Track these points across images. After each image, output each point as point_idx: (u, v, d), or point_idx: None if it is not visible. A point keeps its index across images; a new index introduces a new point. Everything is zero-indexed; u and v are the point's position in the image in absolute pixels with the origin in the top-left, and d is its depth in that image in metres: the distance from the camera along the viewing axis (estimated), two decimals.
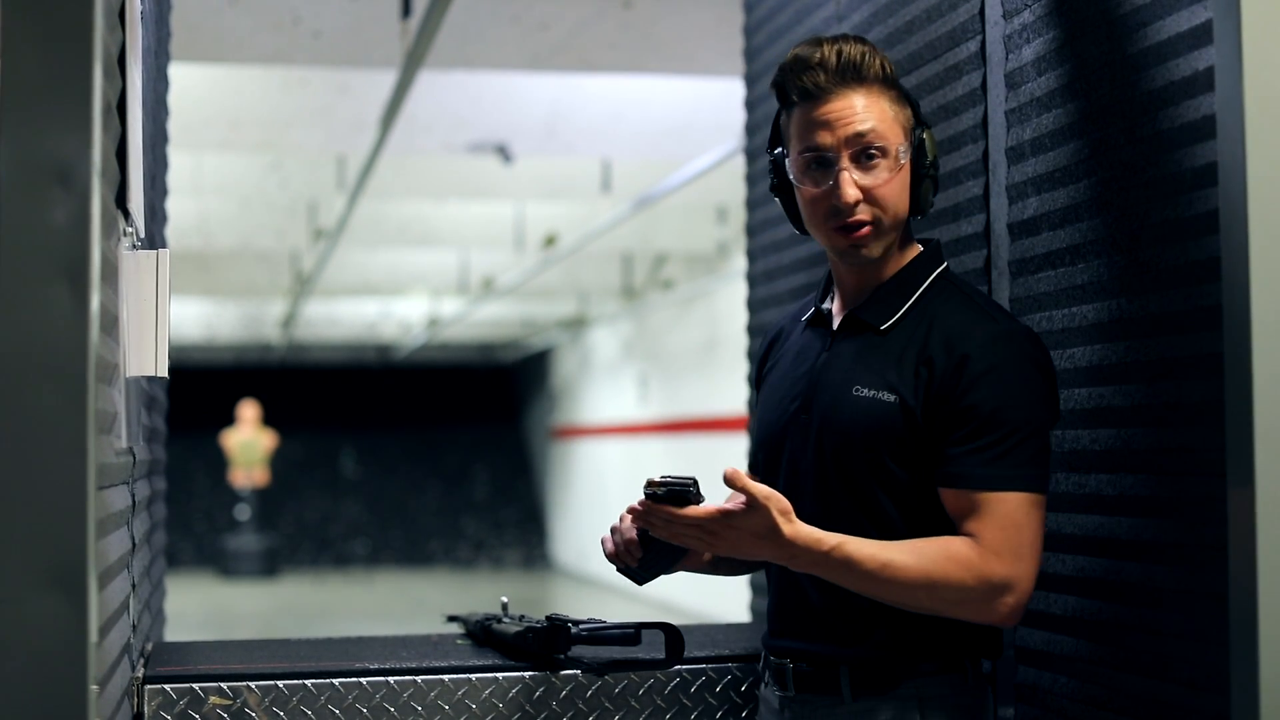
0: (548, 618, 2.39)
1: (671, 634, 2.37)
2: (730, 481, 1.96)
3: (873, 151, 2.10)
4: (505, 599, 2.69)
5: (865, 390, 2.09)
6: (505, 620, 2.53)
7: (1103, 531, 2.12)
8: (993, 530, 1.98)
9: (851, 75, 2.10)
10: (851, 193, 2.10)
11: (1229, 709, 1.78)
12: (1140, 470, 2.04)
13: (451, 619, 2.86)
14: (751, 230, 3.62)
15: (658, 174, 8.81)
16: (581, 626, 2.37)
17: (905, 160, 2.12)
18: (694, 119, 7.44)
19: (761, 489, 1.97)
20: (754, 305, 3.60)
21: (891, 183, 2.11)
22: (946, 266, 2.20)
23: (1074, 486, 2.19)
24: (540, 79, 6.95)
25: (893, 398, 2.07)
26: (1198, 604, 1.90)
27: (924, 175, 2.14)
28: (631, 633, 2.44)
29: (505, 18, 5.90)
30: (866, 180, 2.10)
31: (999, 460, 2.00)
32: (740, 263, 5.15)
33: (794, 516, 1.99)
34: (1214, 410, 1.84)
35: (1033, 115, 2.32)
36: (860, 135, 2.09)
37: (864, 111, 2.10)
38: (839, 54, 2.10)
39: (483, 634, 2.59)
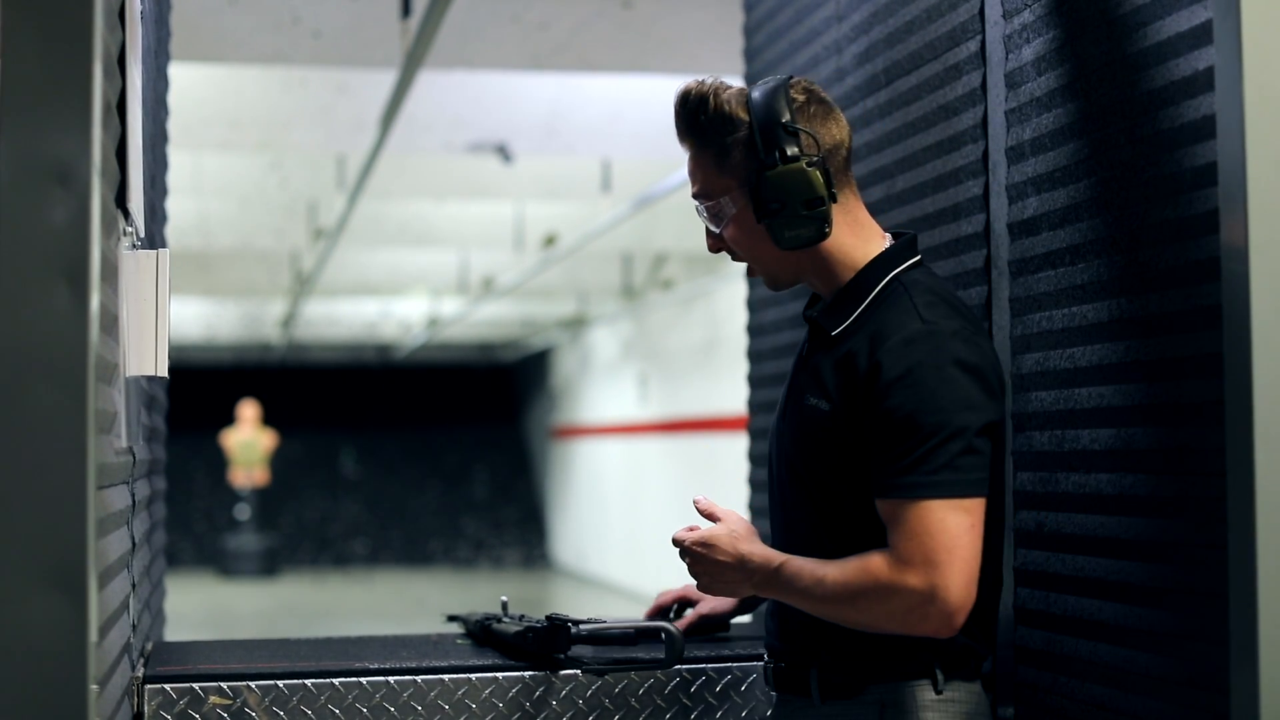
0: (548, 617, 2.39)
1: (671, 635, 2.37)
2: (697, 505, 2.17)
3: (707, 207, 2.17)
4: (505, 598, 2.69)
5: (810, 398, 2.12)
6: (505, 620, 2.53)
7: (1103, 531, 2.12)
8: (904, 540, 1.97)
9: (683, 131, 2.18)
10: (708, 243, 2.21)
11: (1229, 709, 1.78)
12: (1140, 470, 2.04)
13: (451, 619, 2.86)
14: None
15: (657, 173, 8.80)
16: (581, 626, 2.37)
17: (734, 209, 2.14)
18: None
19: (721, 508, 2.16)
20: (754, 305, 3.60)
21: (734, 233, 2.16)
22: (911, 265, 2.16)
23: (1074, 486, 2.19)
24: (540, 79, 6.94)
25: (827, 405, 2.08)
26: (1198, 603, 1.90)
27: (769, 215, 2.10)
28: (631, 633, 2.44)
29: (505, 17, 5.90)
30: (718, 230, 2.19)
31: (911, 469, 1.97)
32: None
33: (755, 539, 2.13)
34: (1214, 410, 1.84)
35: (1032, 115, 2.32)
36: (695, 195, 2.19)
37: (695, 169, 2.18)
38: (679, 106, 2.17)
39: (482, 634, 2.59)
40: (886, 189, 2.80)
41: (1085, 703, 2.17)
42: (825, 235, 2.11)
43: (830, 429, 2.07)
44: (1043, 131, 2.29)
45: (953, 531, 1.95)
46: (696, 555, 2.13)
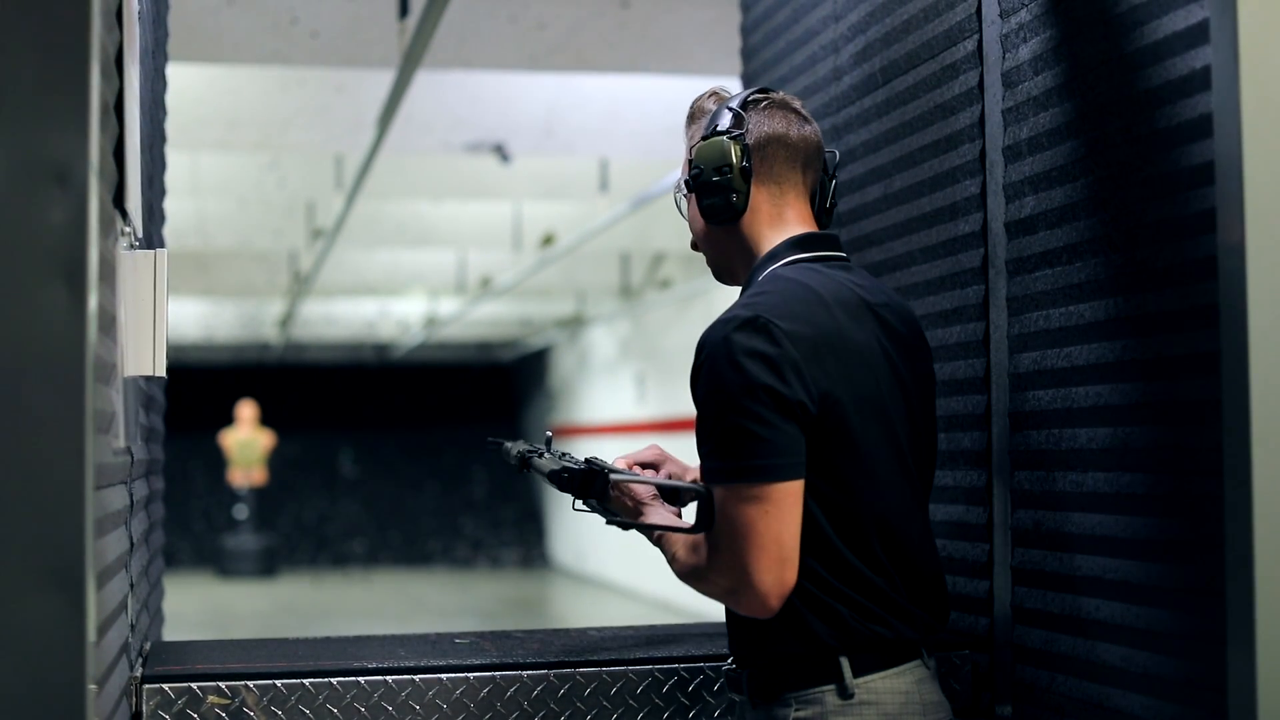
0: (586, 460, 2.35)
1: (704, 498, 2.28)
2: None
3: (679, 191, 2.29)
4: (550, 433, 2.65)
5: None
6: (546, 456, 2.47)
7: (1100, 530, 2.12)
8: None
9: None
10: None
11: (1226, 707, 1.78)
12: (1137, 468, 2.04)
13: (492, 442, 2.77)
14: None
15: (655, 173, 8.81)
16: (615, 476, 2.32)
17: (686, 191, 2.24)
18: None
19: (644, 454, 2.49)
20: None
21: (689, 212, 2.27)
22: (801, 260, 2.13)
23: (1071, 485, 2.20)
24: (538, 78, 6.95)
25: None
26: (1195, 601, 1.90)
27: (693, 180, 2.20)
28: (670, 491, 2.36)
29: (503, 17, 5.90)
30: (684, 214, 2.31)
31: (706, 455, 2.06)
32: None
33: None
34: (1211, 408, 1.85)
35: (1030, 114, 2.33)
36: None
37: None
38: None
39: (520, 464, 2.53)
40: (884, 188, 2.80)
41: (1083, 701, 2.17)
42: (734, 207, 2.16)
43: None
44: (1040, 131, 2.30)
45: (735, 518, 2.00)
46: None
